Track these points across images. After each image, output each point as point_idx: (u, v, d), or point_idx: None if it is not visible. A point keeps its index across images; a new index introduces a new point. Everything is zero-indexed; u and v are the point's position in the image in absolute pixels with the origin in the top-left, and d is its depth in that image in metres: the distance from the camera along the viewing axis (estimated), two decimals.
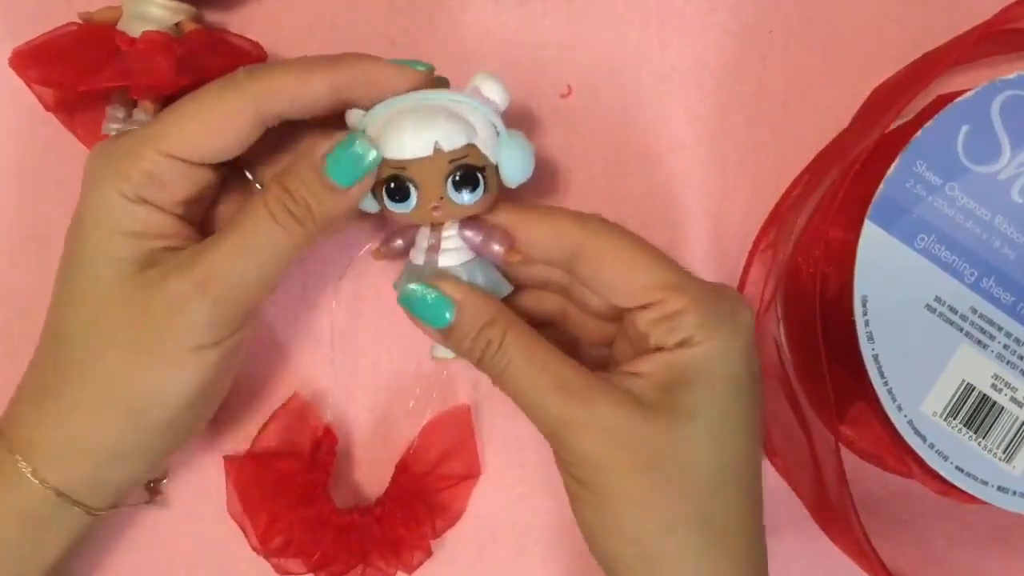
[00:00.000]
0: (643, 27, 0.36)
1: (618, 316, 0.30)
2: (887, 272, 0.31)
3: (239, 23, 0.35)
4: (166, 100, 0.32)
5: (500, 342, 0.27)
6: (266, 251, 0.28)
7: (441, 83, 0.30)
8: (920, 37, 0.35)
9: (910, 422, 0.31)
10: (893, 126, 0.33)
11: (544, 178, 0.36)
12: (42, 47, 0.32)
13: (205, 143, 0.28)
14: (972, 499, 0.32)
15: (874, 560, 0.30)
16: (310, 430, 0.34)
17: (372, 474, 0.36)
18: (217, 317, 0.28)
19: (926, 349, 0.31)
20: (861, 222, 0.31)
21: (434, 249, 0.29)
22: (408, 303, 0.28)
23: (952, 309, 0.31)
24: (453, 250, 0.29)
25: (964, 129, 0.31)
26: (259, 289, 0.28)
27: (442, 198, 0.28)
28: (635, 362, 0.28)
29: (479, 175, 0.28)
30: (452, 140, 0.28)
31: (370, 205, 0.29)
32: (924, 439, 0.31)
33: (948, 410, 0.31)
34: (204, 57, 0.32)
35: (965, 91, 0.31)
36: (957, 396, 0.31)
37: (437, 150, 0.27)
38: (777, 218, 0.35)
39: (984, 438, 0.31)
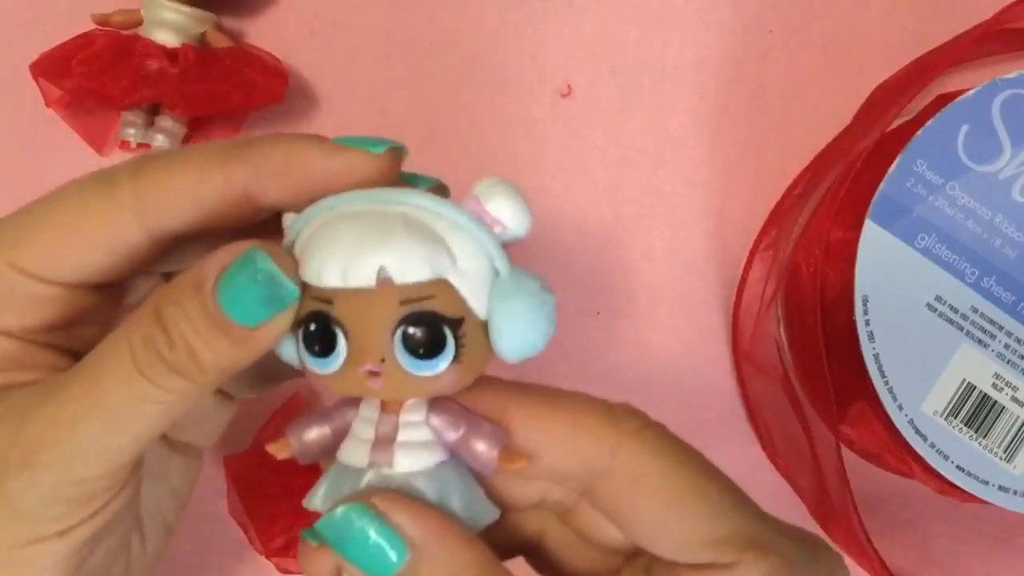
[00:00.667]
0: (643, 26, 0.36)
1: (634, 551, 0.21)
2: (888, 271, 0.31)
3: (238, 23, 0.35)
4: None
5: None
6: (124, 414, 0.18)
7: (437, 191, 0.20)
8: (921, 36, 0.35)
9: (911, 421, 0.31)
10: (893, 125, 0.33)
11: (544, 179, 0.36)
12: (66, 55, 0.32)
13: (65, 260, 0.20)
14: (973, 499, 0.32)
15: (875, 560, 0.30)
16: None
17: None
18: (51, 497, 0.19)
19: (927, 348, 0.31)
20: (862, 221, 0.31)
21: (384, 443, 0.18)
22: (333, 537, 0.17)
23: (953, 308, 0.31)
24: (416, 445, 0.18)
25: (964, 128, 0.31)
26: (124, 458, 0.19)
27: (384, 360, 0.17)
28: None
29: (446, 331, 0.17)
30: (408, 268, 0.17)
31: (290, 353, 0.19)
32: (925, 439, 0.31)
33: (949, 409, 0.31)
34: (239, 74, 0.32)
35: (966, 90, 0.31)
36: (958, 395, 0.31)
37: (382, 280, 0.17)
38: (778, 217, 0.35)
39: (985, 438, 0.31)
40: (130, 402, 0.18)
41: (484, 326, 0.18)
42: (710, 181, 0.36)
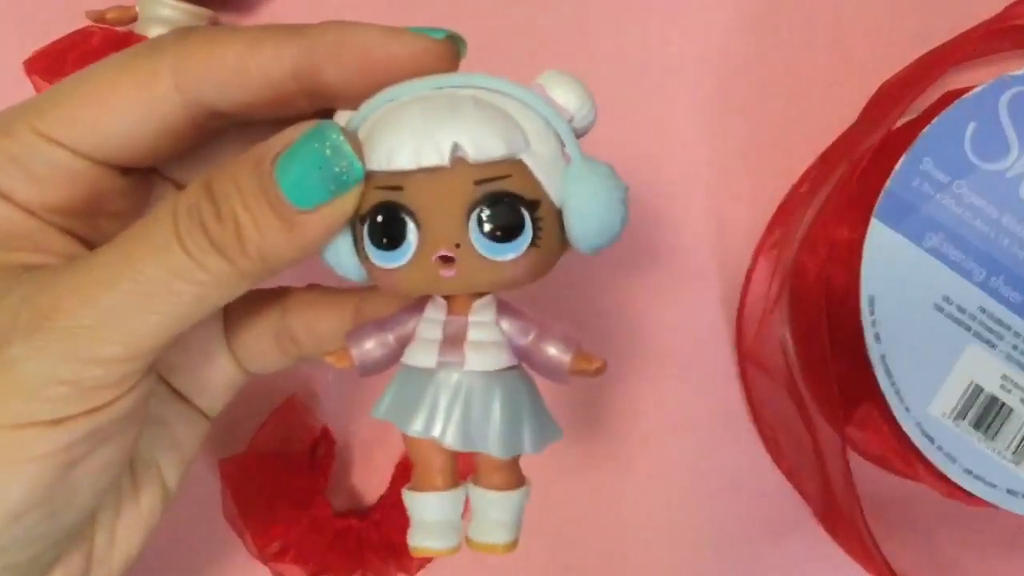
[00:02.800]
0: (646, 23, 0.35)
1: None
2: (894, 271, 0.31)
3: (234, 19, 0.35)
4: None
5: None
6: (154, 288, 0.17)
7: (451, 40, 0.20)
8: (927, 33, 0.34)
9: (918, 424, 0.31)
10: (899, 123, 0.33)
11: None
12: (61, 52, 0.31)
13: (94, 127, 0.18)
14: (980, 502, 0.31)
15: (881, 564, 0.30)
16: (307, 432, 0.34)
17: (371, 477, 0.35)
18: (53, 377, 0.17)
19: (934, 349, 0.31)
20: (867, 220, 0.31)
21: (453, 342, 0.17)
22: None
23: (960, 309, 0.31)
24: (487, 345, 0.18)
25: (971, 126, 0.31)
26: (134, 348, 0.17)
27: (459, 245, 0.17)
28: None
29: (524, 212, 0.17)
30: (483, 145, 0.16)
31: (346, 262, 0.18)
32: (932, 441, 0.31)
33: (956, 411, 0.31)
34: None
35: (972, 87, 0.31)
36: (965, 397, 0.31)
37: (457, 159, 0.16)
38: (782, 217, 0.35)
39: (993, 440, 0.31)
40: (164, 274, 0.17)
41: (558, 213, 0.17)
42: (713, 180, 0.35)
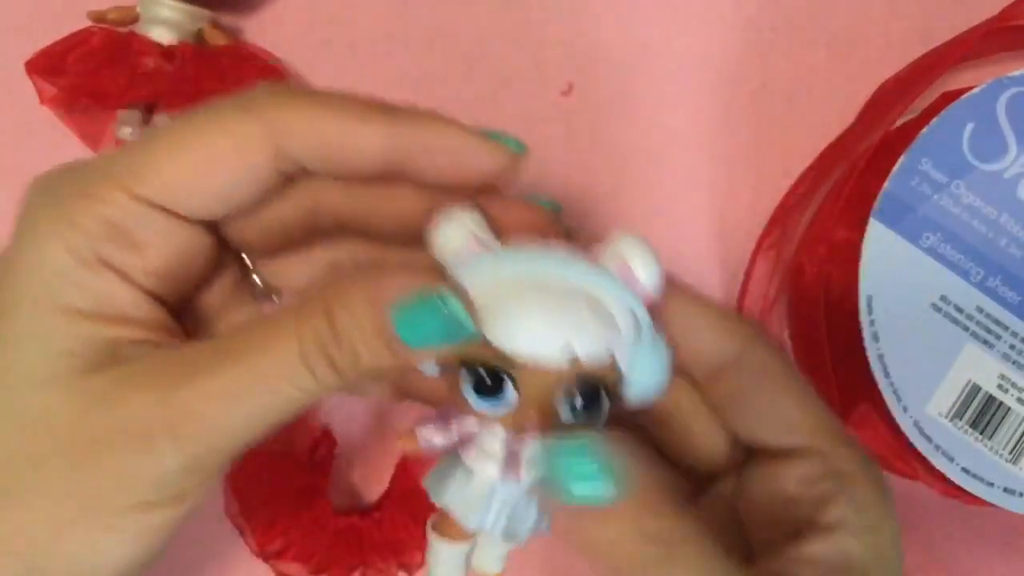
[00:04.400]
0: (645, 24, 0.35)
1: (729, 464, 0.22)
2: (892, 271, 0.31)
3: (235, 20, 0.35)
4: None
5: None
6: (279, 399, 0.19)
7: (552, 209, 0.21)
8: (925, 33, 0.34)
9: (915, 423, 0.31)
10: (898, 123, 0.33)
11: (546, 179, 0.35)
12: (62, 53, 0.31)
13: (197, 184, 0.19)
14: (978, 501, 0.31)
15: None
16: (308, 431, 0.34)
17: (371, 475, 0.35)
18: (186, 469, 0.19)
19: (932, 349, 0.31)
20: (866, 221, 0.31)
21: (514, 460, 0.20)
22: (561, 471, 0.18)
23: (958, 308, 0.31)
24: (534, 462, 0.20)
25: (969, 126, 0.31)
26: (249, 440, 0.19)
27: (548, 413, 0.19)
28: (791, 554, 0.19)
29: (603, 394, 0.19)
30: (592, 348, 0.19)
31: (429, 367, 0.20)
32: (930, 440, 0.31)
33: (954, 411, 0.31)
34: (236, 73, 0.32)
35: (970, 88, 0.31)
36: (963, 396, 0.31)
37: (570, 359, 0.19)
38: (781, 216, 0.35)
39: (990, 439, 0.31)
40: (290, 388, 0.19)
41: (621, 378, 0.20)
42: (712, 180, 0.35)
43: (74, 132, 0.33)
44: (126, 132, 0.32)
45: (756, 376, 0.21)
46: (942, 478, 0.31)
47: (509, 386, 0.19)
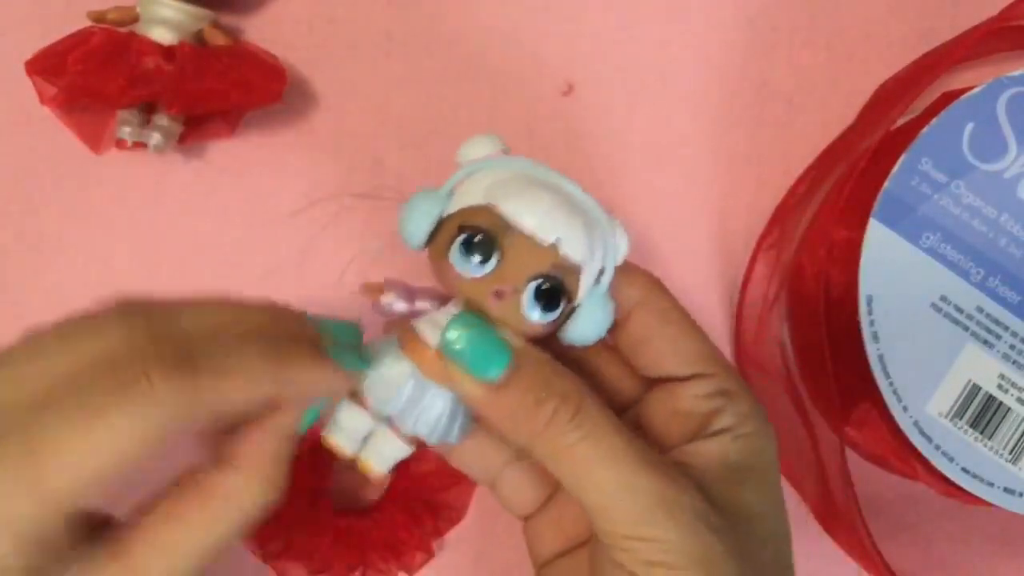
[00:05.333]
0: (645, 24, 0.35)
1: (635, 396, 0.26)
2: (892, 271, 0.31)
3: (236, 20, 0.35)
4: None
5: (577, 404, 0.22)
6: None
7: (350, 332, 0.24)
8: (925, 33, 0.34)
9: (915, 423, 0.31)
10: (898, 123, 0.33)
11: None
12: (62, 53, 0.31)
13: (94, 486, 0.19)
14: (978, 501, 0.31)
15: (879, 563, 0.30)
16: (309, 432, 0.34)
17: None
18: None
19: (932, 349, 0.31)
20: (866, 220, 0.31)
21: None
22: (458, 342, 0.22)
23: (958, 308, 0.31)
24: None
25: (969, 126, 0.31)
26: None
27: (516, 290, 0.22)
28: (686, 449, 0.24)
29: (562, 302, 0.22)
30: (576, 246, 0.22)
31: (420, 235, 0.23)
32: (930, 440, 0.31)
33: (954, 411, 0.31)
34: (236, 73, 0.32)
35: (970, 88, 0.31)
36: (963, 396, 0.31)
37: (551, 246, 0.22)
38: (781, 216, 0.35)
39: (990, 439, 0.31)
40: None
41: (571, 311, 0.23)
42: (713, 180, 0.35)
43: (74, 132, 0.33)
44: (125, 132, 0.32)
45: (658, 317, 0.25)
46: (942, 478, 0.31)
47: (495, 256, 0.22)
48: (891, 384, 0.31)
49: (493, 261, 0.22)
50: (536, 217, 0.22)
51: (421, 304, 0.24)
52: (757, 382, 0.35)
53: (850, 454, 0.33)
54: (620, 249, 0.24)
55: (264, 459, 0.22)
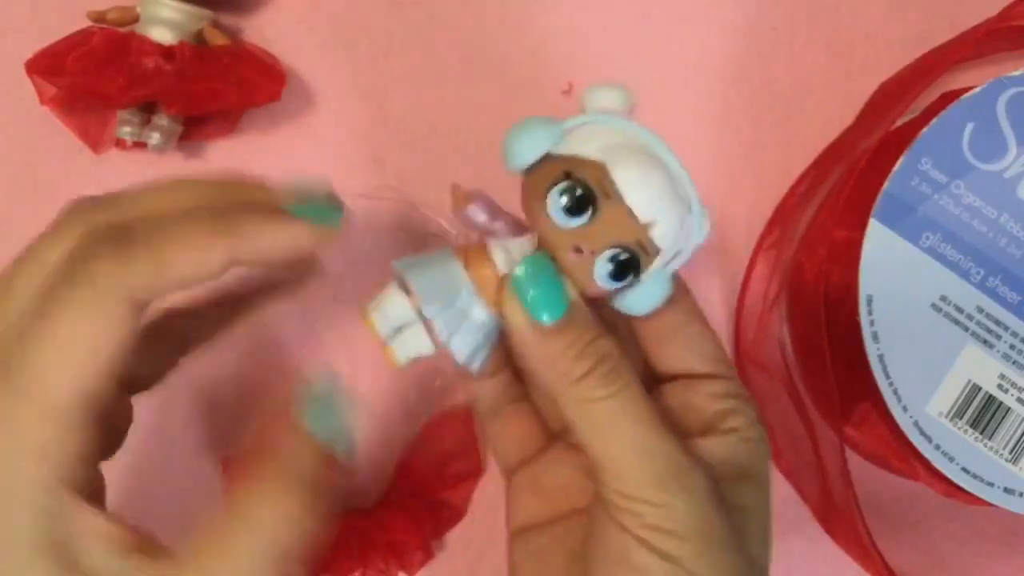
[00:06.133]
0: (645, 23, 0.35)
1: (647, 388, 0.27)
2: (892, 271, 0.31)
3: (235, 20, 0.35)
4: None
5: (614, 366, 0.23)
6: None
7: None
8: (925, 33, 0.34)
9: (915, 423, 0.31)
10: (898, 124, 0.33)
11: None
12: (62, 53, 0.31)
13: (85, 384, 0.20)
14: (978, 501, 0.31)
15: (879, 563, 0.30)
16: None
17: (372, 475, 0.35)
18: None
19: (932, 349, 0.31)
20: (866, 220, 0.31)
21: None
22: (527, 278, 0.23)
23: (958, 308, 0.31)
24: None
25: (969, 126, 0.31)
26: None
27: (593, 252, 0.23)
28: (697, 442, 0.25)
29: (631, 276, 0.23)
30: (665, 232, 0.23)
31: (529, 157, 0.23)
32: (930, 440, 0.31)
33: (954, 411, 0.31)
34: (236, 72, 0.32)
35: (970, 88, 0.31)
36: (963, 396, 0.31)
37: (644, 225, 0.23)
38: (781, 216, 0.35)
39: (990, 439, 0.31)
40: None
41: (634, 282, 0.24)
42: (713, 180, 0.35)
43: (74, 132, 0.33)
44: (125, 132, 0.32)
45: (685, 316, 0.26)
46: (942, 478, 0.31)
47: (591, 210, 0.22)
48: (891, 384, 0.31)
49: (586, 217, 0.22)
50: (642, 194, 0.22)
51: (497, 225, 0.24)
52: (757, 382, 0.35)
53: (850, 454, 0.33)
54: (701, 237, 0.24)
55: (292, 487, 0.22)
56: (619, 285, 0.23)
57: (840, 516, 0.31)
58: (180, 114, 0.32)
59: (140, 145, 0.33)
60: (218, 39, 0.33)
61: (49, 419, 0.20)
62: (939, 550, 0.35)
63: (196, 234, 0.21)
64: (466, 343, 0.24)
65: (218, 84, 0.31)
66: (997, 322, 0.31)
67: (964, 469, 0.31)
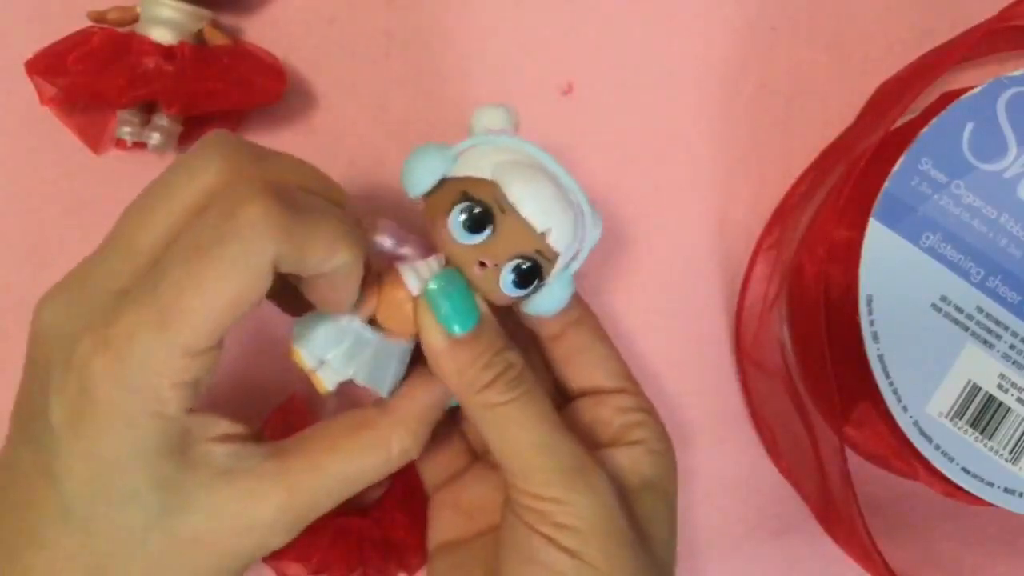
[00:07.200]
0: (646, 23, 0.35)
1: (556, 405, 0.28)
2: (892, 271, 0.31)
3: (236, 20, 0.35)
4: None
5: (518, 373, 0.25)
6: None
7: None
8: (925, 33, 0.34)
9: (915, 423, 0.31)
10: (898, 123, 0.33)
11: None
12: (62, 53, 0.31)
13: (226, 323, 0.22)
14: (978, 501, 0.31)
15: (879, 563, 0.30)
16: None
17: None
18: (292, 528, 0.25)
19: (932, 349, 0.31)
20: (866, 220, 0.31)
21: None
22: (441, 293, 0.24)
23: (958, 308, 0.31)
24: None
25: (969, 126, 0.31)
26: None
27: (497, 264, 0.24)
28: (604, 452, 0.27)
29: (535, 283, 0.25)
30: (561, 237, 0.25)
31: (426, 184, 0.25)
32: (930, 440, 0.31)
33: (954, 411, 0.31)
34: (236, 73, 0.32)
35: (971, 88, 0.31)
36: (963, 396, 0.31)
37: (541, 234, 0.24)
38: (781, 216, 0.35)
39: (990, 439, 0.31)
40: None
41: (539, 287, 0.25)
42: (713, 180, 0.35)
43: (74, 132, 0.34)
44: (125, 132, 0.32)
45: (591, 336, 0.28)
46: (942, 478, 0.31)
47: (490, 229, 0.24)
48: (891, 384, 0.31)
49: (486, 233, 0.24)
50: (535, 206, 0.24)
51: (405, 250, 0.26)
52: (757, 382, 0.35)
53: (850, 454, 0.33)
54: (595, 238, 0.26)
55: (416, 415, 0.25)
56: (525, 292, 0.25)
57: (840, 515, 0.31)
58: (180, 114, 0.32)
59: (140, 145, 0.33)
60: (218, 39, 0.33)
61: (188, 356, 0.21)
62: (939, 550, 0.35)
63: (336, 232, 0.22)
64: (366, 373, 0.25)
65: (218, 84, 0.31)
66: (997, 322, 0.31)
67: (964, 469, 0.31)
